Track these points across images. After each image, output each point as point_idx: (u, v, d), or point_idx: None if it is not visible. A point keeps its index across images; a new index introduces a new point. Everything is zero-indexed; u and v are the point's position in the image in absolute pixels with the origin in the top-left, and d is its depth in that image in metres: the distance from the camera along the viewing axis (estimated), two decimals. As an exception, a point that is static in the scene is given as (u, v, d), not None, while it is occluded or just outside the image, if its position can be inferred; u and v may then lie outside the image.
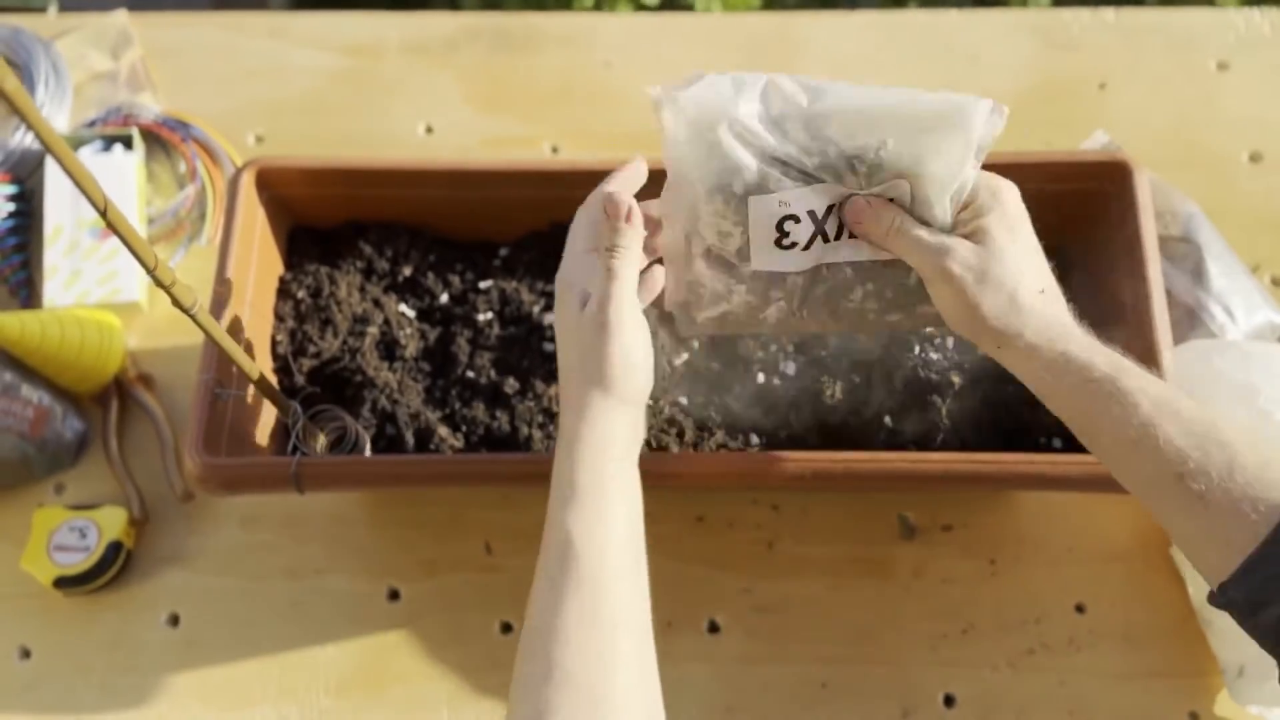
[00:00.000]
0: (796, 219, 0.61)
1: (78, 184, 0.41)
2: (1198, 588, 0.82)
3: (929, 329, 0.77)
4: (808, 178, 0.61)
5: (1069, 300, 0.63)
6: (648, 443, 0.77)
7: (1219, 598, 0.55)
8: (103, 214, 0.43)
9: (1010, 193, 0.61)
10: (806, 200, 0.61)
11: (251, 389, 0.73)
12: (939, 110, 0.60)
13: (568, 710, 0.52)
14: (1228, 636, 0.79)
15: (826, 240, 0.63)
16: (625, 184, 0.65)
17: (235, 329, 0.76)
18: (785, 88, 0.60)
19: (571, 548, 0.56)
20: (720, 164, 0.60)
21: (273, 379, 0.81)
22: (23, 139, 0.99)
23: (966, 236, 0.60)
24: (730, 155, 0.60)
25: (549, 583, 0.56)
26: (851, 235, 0.63)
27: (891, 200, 0.61)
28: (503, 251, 0.88)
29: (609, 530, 0.58)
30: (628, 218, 0.61)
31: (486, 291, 0.85)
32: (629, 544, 0.58)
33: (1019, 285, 0.59)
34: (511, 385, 0.81)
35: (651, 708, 0.56)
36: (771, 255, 0.63)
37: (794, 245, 0.62)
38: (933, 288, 0.61)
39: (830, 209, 0.62)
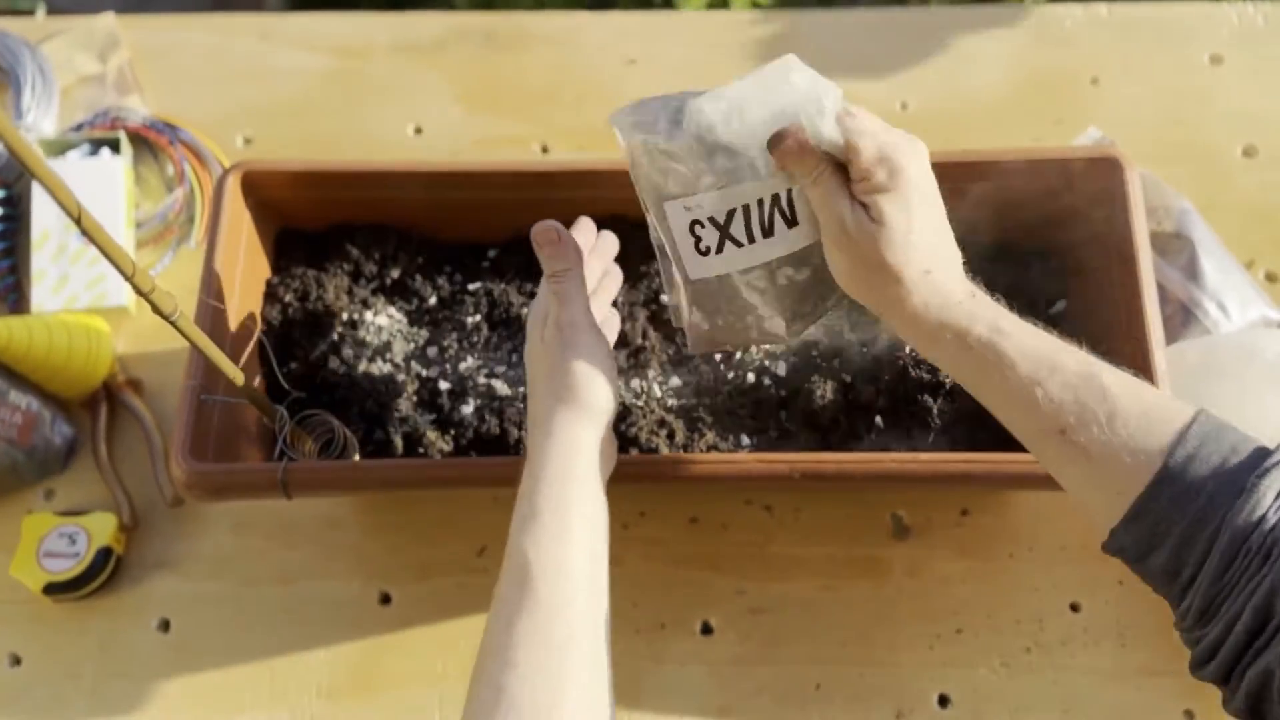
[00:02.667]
0: (702, 224, 0.62)
1: (50, 193, 0.40)
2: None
3: None
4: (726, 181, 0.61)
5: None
6: (639, 445, 0.76)
7: (1110, 544, 0.56)
8: (77, 222, 0.42)
9: (913, 167, 0.59)
10: (717, 203, 0.61)
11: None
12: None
13: None
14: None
15: (751, 241, 0.62)
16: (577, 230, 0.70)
17: (220, 335, 0.75)
18: (696, 108, 0.60)
19: (528, 571, 0.57)
20: (648, 183, 0.62)
21: (260, 383, 0.80)
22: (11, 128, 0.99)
23: (865, 207, 0.59)
24: (651, 176, 0.62)
25: (503, 605, 0.57)
26: (787, 226, 0.62)
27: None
28: (491, 253, 0.87)
29: (567, 553, 0.58)
30: (559, 241, 0.65)
31: (475, 293, 0.85)
32: (587, 567, 0.59)
33: (906, 266, 0.58)
34: (500, 387, 0.80)
35: None
36: (699, 262, 0.64)
37: (708, 250, 0.63)
38: (827, 248, 0.61)
39: (745, 209, 0.62)
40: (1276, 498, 0.52)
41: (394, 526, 0.87)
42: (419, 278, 0.86)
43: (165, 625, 0.84)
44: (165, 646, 0.84)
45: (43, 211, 0.95)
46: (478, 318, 0.84)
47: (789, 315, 0.67)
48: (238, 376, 0.64)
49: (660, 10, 1.18)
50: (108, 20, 1.08)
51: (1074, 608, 0.83)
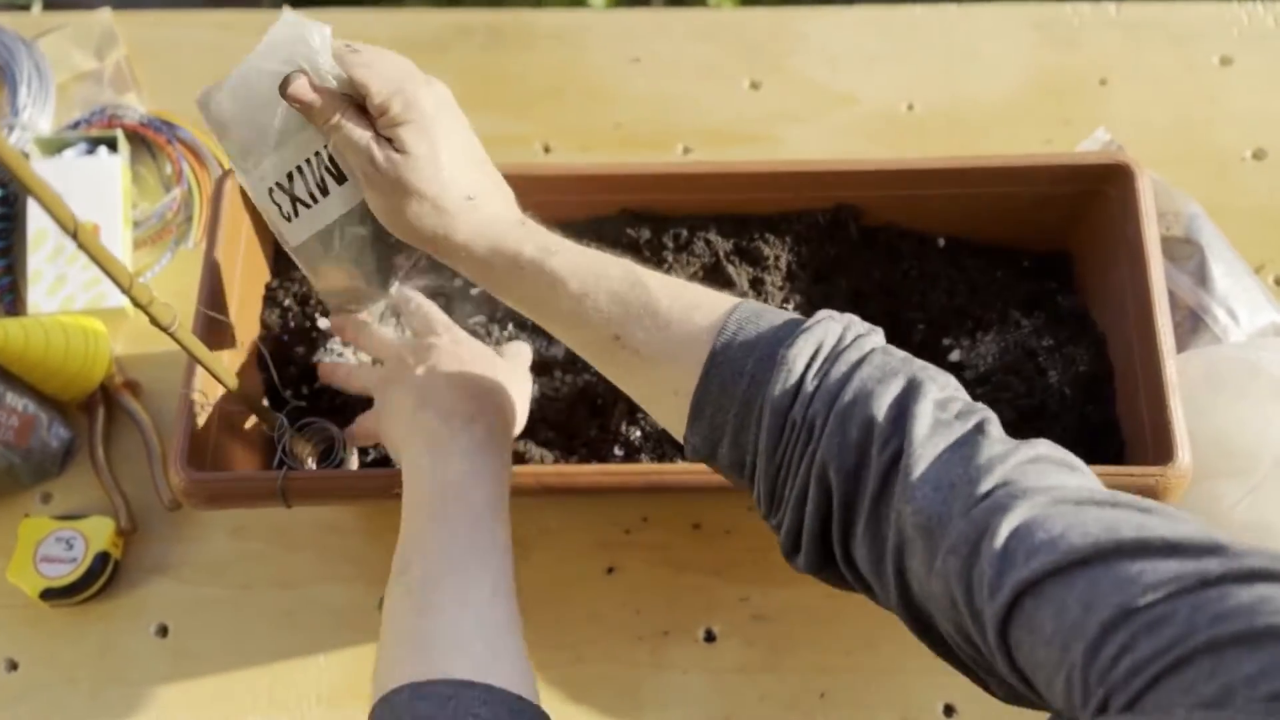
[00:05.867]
0: (274, 190, 0.64)
1: (45, 207, 0.39)
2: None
3: None
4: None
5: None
6: (634, 451, 0.76)
7: (687, 451, 0.56)
8: (73, 236, 0.41)
9: (428, 99, 0.59)
10: (275, 167, 0.63)
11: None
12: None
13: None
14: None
15: (315, 201, 0.63)
16: None
17: (219, 341, 0.74)
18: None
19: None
20: (230, 160, 0.64)
21: (259, 390, 0.79)
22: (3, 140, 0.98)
23: (389, 142, 0.59)
24: (227, 152, 0.64)
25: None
26: (338, 183, 0.63)
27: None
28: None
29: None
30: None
31: (476, 298, 0.84)
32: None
33: (442, 193, 0.58)
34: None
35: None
36: (289, 229, 0.65)
37: (290, 216, 0.64)
38: (365, 192, 0.61)
39: (299, 169, 0.63)
40: (808, 366, 0.51)
41: (394, 531, 0.85)
42: (420, 281, 0.84)
43: (163, 630, 0.84)
44: (164, 652, 0.83)
45: (39, 211, 0.93)
46: (481, 318, 0.83)
47: (373, 271, 0.68)
48: (236, 387, 0.63)
49: (667, 8, 1.17)
50: (104, 16, 1.06)
51: (1080, 616, 0.82)
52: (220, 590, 0.85)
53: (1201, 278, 0.86)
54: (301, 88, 0.58)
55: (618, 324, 0.56)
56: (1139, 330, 0.74)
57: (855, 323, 0.54)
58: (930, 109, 1.03)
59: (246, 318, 0.79)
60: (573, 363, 0.80)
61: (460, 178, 0.59)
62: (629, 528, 0.85)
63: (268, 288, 0.83)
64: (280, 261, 0.85)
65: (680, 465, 0.75)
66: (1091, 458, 0.73)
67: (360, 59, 0.59)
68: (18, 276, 0.94)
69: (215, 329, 0.73)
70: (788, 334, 0.52)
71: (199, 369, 0.70)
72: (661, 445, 0.77)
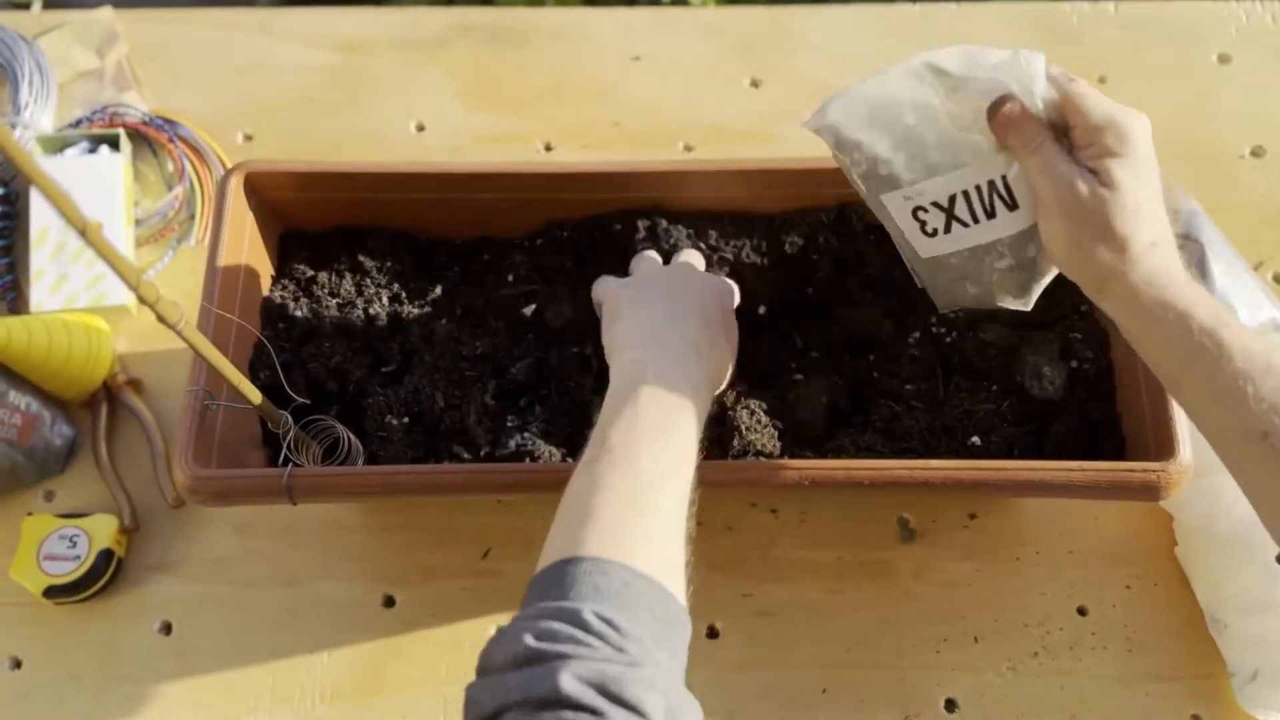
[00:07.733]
0: (925, 209, 0.65)
1: (56, 207, 0.39)
2: (1207, 592, 0.81)
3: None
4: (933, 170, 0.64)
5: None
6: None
7: None
8: (82, 234, 0.42)
9: (1140, 133, 0.58)
10: (940, 188, 0.64)
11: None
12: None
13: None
14: (1240, 640, 0.78)
15: (975, 222, 0.64)
16: None
17: (223, 339, 0.74)
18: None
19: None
20: (859, 181, 0.67)
21: (263, 387, 0.79)
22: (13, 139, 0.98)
23: (1093, 173, 0.58)
24: (863, 175, 0.66)
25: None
26: (1008, 210, 0.63)
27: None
28: (496, 253, 0.86)
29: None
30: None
31: (478, 295, 0.84)
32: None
33: (1132, 236, 0.57)
34: (505, 391, 0.79)
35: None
36: (927, 243, 0.67)
37: (935, 232, 0.66)
38: (1046, 219, 0.60)
39: (965, 194, 0.63)
40: None
41: (398, 529, 0.86)
42: (424, 279, 0.85)
43: (167, 628, 0.84)
44: (167, 649, 0.83)
45: (42, 209, 0.94)
46: (484, 318, 0.83)
47: (1018, 290, 0.68)
48: (243, 385, 0.63)
49: (665, 6, 1.17)
50: (106, 14, 1.06)
51: (1081, 611, 0.82)
52: (224, 587, 0.85)
53: (1201, 275, 0.87)
54: (1014, 110, 0.58)
55: (1273, 419, 0.54)
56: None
57: None
58: (930, 107, 1.03)
59: (250, 316, 0.79)
60: (579, 364, 0.80)
61: (1153, 221, 0.58)
62: (631, 524, 0.86)
63: (271, 286, 0.83)
64: (284, 260, 0.85)
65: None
66: (1093, 454, 0.74)
67: (1077, 87, 0.58)
68: (20, 274, 0.94)
69: (220, 325, 0.74)
70: None
71: (204, 367, 0.71)
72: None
